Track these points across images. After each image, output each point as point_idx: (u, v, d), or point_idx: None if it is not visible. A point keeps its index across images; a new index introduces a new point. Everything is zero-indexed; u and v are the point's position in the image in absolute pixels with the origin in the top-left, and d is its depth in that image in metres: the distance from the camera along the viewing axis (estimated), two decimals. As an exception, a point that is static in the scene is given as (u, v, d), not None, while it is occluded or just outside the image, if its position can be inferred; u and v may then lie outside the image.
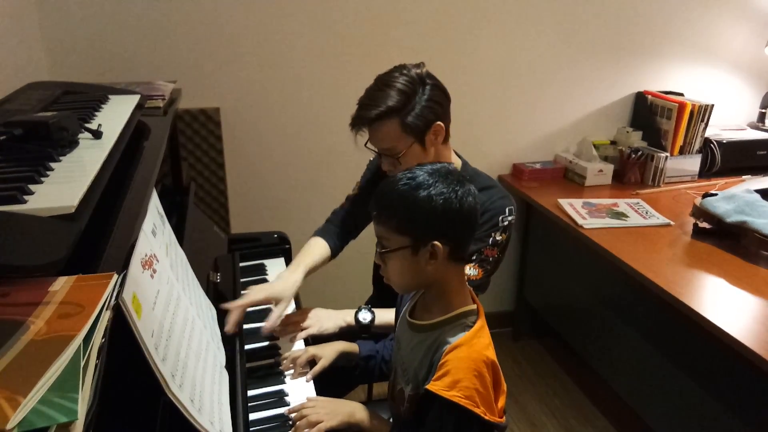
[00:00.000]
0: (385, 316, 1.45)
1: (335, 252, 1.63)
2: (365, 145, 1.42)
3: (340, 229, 1.64)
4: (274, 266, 1.73)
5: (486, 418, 0.99)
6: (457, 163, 1.53)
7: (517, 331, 2.79)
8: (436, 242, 0.99)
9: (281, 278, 1.44)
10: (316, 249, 1.58)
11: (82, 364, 0.51)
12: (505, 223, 1.43)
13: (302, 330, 1.42)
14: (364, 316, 1.45)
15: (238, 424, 1.04)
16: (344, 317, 1.47)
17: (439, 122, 1.39)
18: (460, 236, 1.03)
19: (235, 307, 1.30)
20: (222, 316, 1.27)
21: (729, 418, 1.58)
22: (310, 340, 1.42)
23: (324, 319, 1.46)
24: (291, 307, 1.55)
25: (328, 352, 1.32)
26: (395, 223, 1.01)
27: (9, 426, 0.44)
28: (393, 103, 1.33)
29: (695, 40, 2.57)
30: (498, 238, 1.42)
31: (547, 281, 2.55)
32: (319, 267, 1.56)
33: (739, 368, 1.51)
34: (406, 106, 1.34)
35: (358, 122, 1.38)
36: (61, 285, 0.64)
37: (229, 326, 1.26)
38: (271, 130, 2.24)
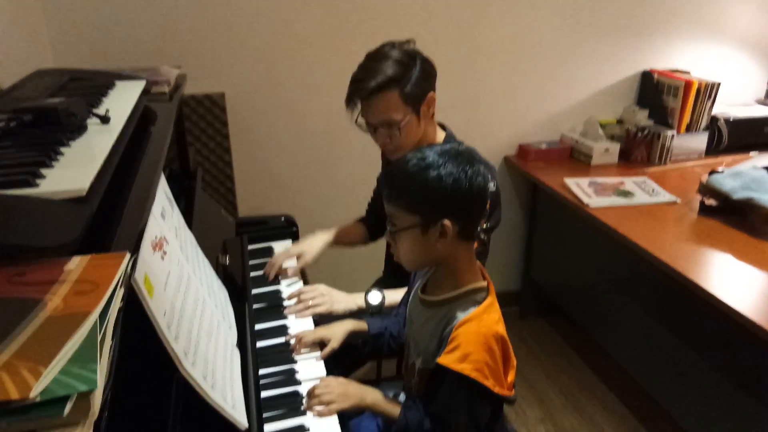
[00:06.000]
0: (395, 296, 1.46)
1: (373, 234, 1.79)
2: (355, 121, 1.43)
3: (373, 217, 1.79)
4: (282, 249, 1.75)
5: (495, 390, 1.01)
6: (441, 135, 1.55)
7: (524, 310, 2.81)
8: (445, 221, 1.01)
9: (310, 236, 1.66)
10: (352, 226, 1.77)
11: (99, 337, 0.53)
12: None
13: (313, 307, 1.44)
14: (374, 298, 1.47)
15: (251, 401, 1.06)
16: (355, 301, 1.49)
17: (432, 92, 1.42)
18: (469, 215, 1.04)
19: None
20: (233, 296, 1.29)
21: (735, 391, 1.59)
22: (318, 318, 1.44)
23: (336, 301, 1.47)
24: (299, 283, 1.58)
25: (337, 333, 1.32)
26: (405, 203, 1.03)
27: (32, 394, 0.46)
28: (392, 73, 1.35)
29: (701, 18, 2.54)
30: None
31: (553, 260, 2.56)
32: (353, 241, 1.75)
33: (745, 343, 1.52)
34: (404, 76, 1.36)
35: (356, 95, 1.38)
36: (76, 264, 0.66)
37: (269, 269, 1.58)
38: (276, 114, 2.25)
